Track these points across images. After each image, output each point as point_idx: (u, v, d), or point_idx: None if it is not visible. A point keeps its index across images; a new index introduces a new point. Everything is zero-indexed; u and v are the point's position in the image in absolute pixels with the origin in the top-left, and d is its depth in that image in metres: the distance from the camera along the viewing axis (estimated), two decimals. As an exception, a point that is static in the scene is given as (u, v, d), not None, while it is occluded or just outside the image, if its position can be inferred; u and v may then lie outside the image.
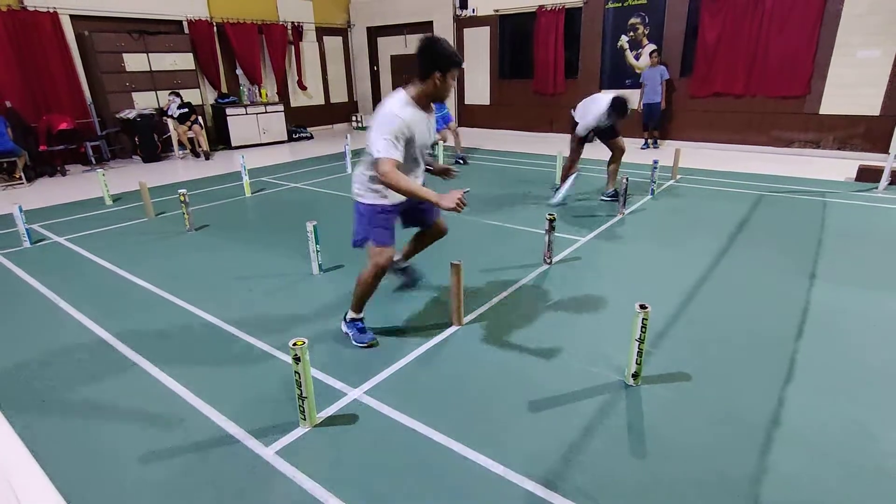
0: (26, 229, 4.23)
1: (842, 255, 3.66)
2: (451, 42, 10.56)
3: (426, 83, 2.25)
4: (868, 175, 5.66)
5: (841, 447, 1.84)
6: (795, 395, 2.13)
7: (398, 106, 2.24)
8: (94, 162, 7.98)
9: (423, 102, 2.31)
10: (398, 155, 2.21)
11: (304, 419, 1.98)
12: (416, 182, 2.32)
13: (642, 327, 2.10)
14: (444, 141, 7.50)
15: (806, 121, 7.42)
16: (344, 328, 2.68)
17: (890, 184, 5.40)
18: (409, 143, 2.28)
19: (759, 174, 6.24)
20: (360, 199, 2.47)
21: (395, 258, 2.86)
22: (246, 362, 2.48)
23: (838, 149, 7.27)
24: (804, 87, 7.26)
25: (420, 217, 2.74)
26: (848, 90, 7.00)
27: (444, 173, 2.75)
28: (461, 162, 7.51)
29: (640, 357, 2.17)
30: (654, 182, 5.35)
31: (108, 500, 1.69)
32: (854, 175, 5.84)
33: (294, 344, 1.85)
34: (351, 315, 2.64)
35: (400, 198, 2.43)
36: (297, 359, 1.85)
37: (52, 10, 7.52)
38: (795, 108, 7.45)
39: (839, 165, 6.56)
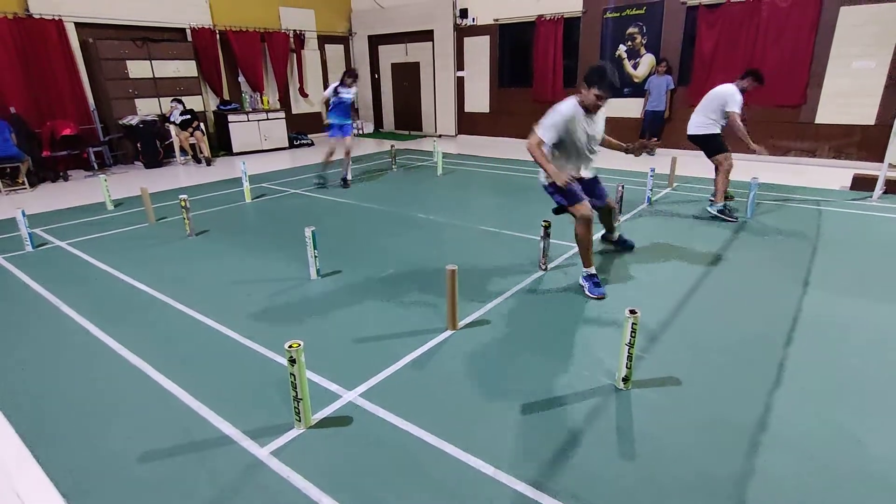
0: (29, 233, 4.28)
1: (835, 262, 3.70)
2: (452, 50, 10.71)
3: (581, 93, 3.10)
4: (863, 184, 5.71)
5: (827, 451, 1.88)
6: (783, 400, 2.16)
7: (565, 105, 3.13)
8: (96, 167, 8.05)
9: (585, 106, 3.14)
10: (547, 137, 3.06)
11: (300, 420, 2.02)
12: (558, 163, 3.23)
13: (632, 332, 2.14)
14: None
15: (802, 130, 7.48)
16: (581, 281, 3.28)
17: (884, 192, 5.45)
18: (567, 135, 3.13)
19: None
20: (544, 182, 3.32)
21: (605, 237, 4.01)
22: (243, 364, 2.52)
23: (834, 158, 7.32)
24: (800, 97, 7.33)
25: (592, 193, 3.46)
26: (843, 100, 7.07)
27: (641, 149, 3.56)
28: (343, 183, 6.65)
29: (631, 361, 2.20)
30: (651, 190, 5.40)
31: (106, 499, 1.73)
32: (849, 184, 5.89)
33: (290, 346, 1.89)
34: (585, 270, 3.24)
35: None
36: (292, 361, 1.89)
37: (57, 18, 7.62)
38: (791, 118, 7.51)
39: (834, 174, 6.62)
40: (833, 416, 2.07)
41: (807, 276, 3.46)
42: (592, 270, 3.24)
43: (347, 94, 6.38)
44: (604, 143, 3.45)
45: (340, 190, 6.38)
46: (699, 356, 2.53)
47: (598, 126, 3.24)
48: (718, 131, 4.88)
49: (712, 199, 4.95)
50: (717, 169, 4.88)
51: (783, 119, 7.58)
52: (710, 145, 4.92)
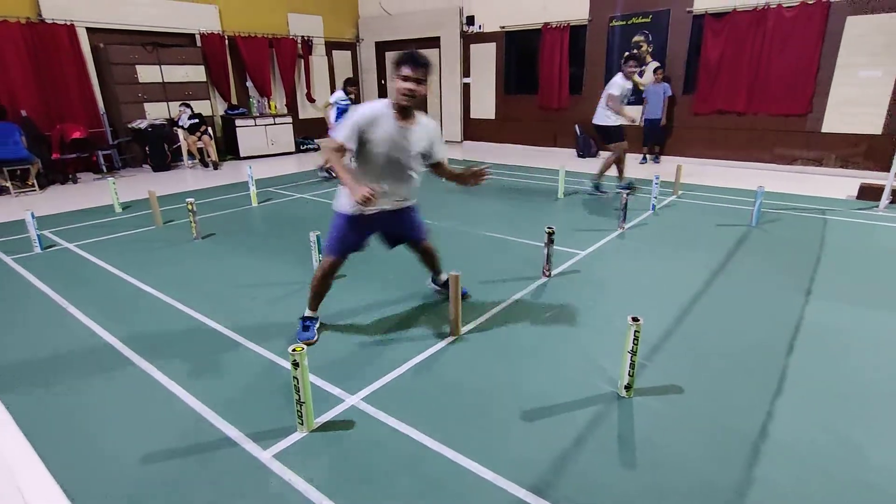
0: (38, 235, 4.33)
1: (839, 272, 3.69)
2: (458, 57, 10.76)
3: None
4: (869, 193, 5.69)
5: (829, 461, 1.87)
6: (785, 409, 2.16)
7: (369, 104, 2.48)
8: (105, 170, 8.13)
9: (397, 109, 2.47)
10: (342, 137, 2.39)
11: (302, 424, 2.03)
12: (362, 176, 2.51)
13: (634, 340, 2.15)
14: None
15: (808, 139, 7.47)
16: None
17: (891, 202, 5.43)
18: (367, 139, 2.43)
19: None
20: (335, 206, 2.67)
21: (434, 280, 3.24)
22: (247, 367, 2.54)
23: (840, 167, 7.30)
24: (806, 106, 7.32)
25: (400, 235, 2.89)
26: (850, 109, 7.05)
27: (473, 178, 2.71)
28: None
29: (633, 369, 2.21)
30: (655, 197, 5.40)
31: (110, 500, 1.74)
32: (855, 193, 5.87)
33: (293, 350, 1.91)
34: (306, 312, 2.82)
35: (365, 209, 2.51)
36: (295, 364, 1.91)
37: (69, 23, 7.72)
38: (797, 127, 7.50)
39: (840, 183, 6.60)
40: (835, 424, 2.06)
41: (810, 284, 3.45)
42: (311, 314, 2.81)
43: (346, 101, 7.02)
44: (438, 172, 2.79)
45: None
46: (701, 364, 2.52)
47: (416, 143, 2.53)
48: (612, 123, 5.69)
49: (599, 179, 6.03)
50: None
51: (789, 128, 7.57)
52: (605, 135, 5.81)
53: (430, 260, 3.10)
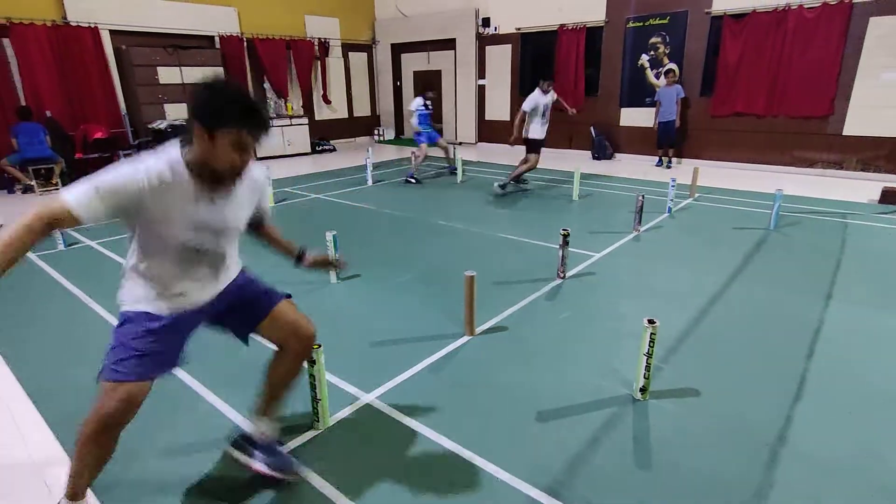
0: (61, 233, 4.43)
1: (860, 276, 3.62)
2: (473, 59, 10.77)
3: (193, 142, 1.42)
4: (892, 197, 5.58)
5: (847, 466, 1.85)
6: (804, 414, 2.13)
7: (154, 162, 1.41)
8: (125, 170, 8.28)
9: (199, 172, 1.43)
10: (84, 214, 1.32)
11: (318, 421, 2.06)
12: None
13: (650, 342, 2.14)
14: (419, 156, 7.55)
15: (829, 142, 7.35)
16: None
17: (914, 206, 5.32)
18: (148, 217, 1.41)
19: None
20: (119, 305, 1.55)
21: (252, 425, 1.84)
22: (262, 365, 2.57)
23: (861, 170, 7.17)
24: (827, 108, 7.20)
25: (248, 308, 1.76)
26: (872, 111, 6.92)
27: (322, 266, 2.08)
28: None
29: (649, 371, 2.20)
30: (672, 200, 5.36)
31: (129, 492, 1.78)
32: (877, 197, 5.76)
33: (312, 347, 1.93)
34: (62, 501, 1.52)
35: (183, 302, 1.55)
36: (312, 362, 1.94)
37: (93, 26, 7.89)
38: (818, 129, 7.38)
39: (862, 187, 6.48)
40: (854, 430, 2.03)
41: (831, 289, 3.39)
42: None
43: (423, 108, 7.63)
44: (265, 238, 1.98)
45: (361, 195, 6.46)
46: (718, 368, 2.50)
47: (233, 212, 1.57)
48: (530, 136, 6.29)
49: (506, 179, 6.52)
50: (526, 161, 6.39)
51: (810, 130, 7.45)
52: (526, 146, 6.36)
53: (285, 365, 1.87)
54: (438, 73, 11.67)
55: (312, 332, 1.81)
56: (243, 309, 1.75)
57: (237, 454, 1.79)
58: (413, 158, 7.43)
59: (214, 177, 1.44)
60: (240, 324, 1.78)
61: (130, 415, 1.47)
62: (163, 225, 1.43)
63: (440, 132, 8.42)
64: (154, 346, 1.49)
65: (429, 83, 7.81)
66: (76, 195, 1.32)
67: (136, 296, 1.52)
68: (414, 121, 7.56)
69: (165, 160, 1.41)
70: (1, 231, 1.26)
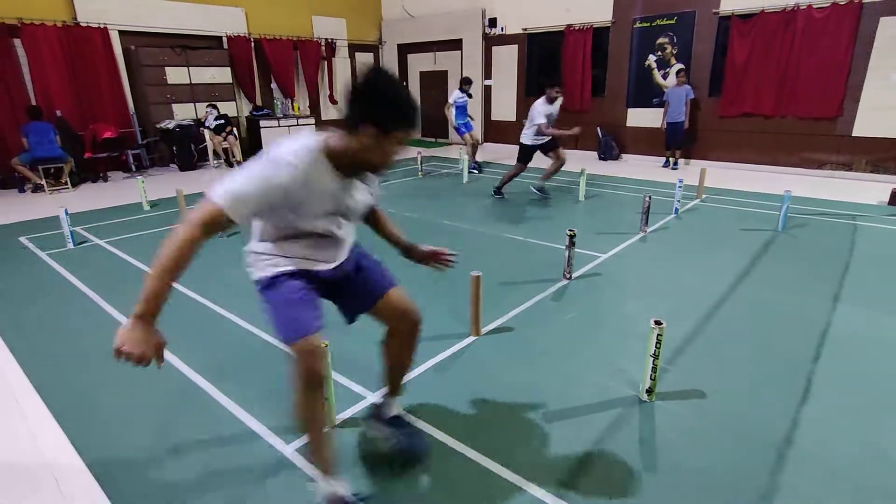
0: (70, 231, 4.47)
1: (869, 278, 3.59)
2: (480, 59, 10.77)
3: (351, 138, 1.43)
4: (902, 199, 5.54)
5: (855, 468, 1.83)
6: (811, 416, 2.12)
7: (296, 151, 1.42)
8: (134, 169, 8.36)
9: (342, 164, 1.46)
10: (237, 214, 1.37)
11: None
12: (178, 261, 1.39)
13: (657, 343, 2.13)
14: (466, 144, 8.06)
15: (838, 143, 7.29)
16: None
17: (925, 208, 5.27)
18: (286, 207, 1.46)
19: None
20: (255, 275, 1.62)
21: (380, 401, 2.01)
22: (271, 363, 2.59)
23: (871, 171, 7.11)
24: (836, 109, 7.15)
25: (361, 291, 1.79)
26: (882, 112, 6.87)
27: (428, 259, 2.01)
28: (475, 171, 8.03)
29: (655, 373, 2.19)
30: (679, 201, 5.33)
31: (138, 488, 1.80)
32: (887, 199, 5.71)
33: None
34: (322, 483, 1.60)
35: (302, 260, 1.59)
36: (319, 360, 1.94)
37: (102, 26, 7.97)
38: (827, 130, 7.33)
39: (872, 188, 6.43)
40: (862, 432, 2.02)
41: (839, 290, 3.37)
42: (335, 489, 1.58)
43: (463, 98, 7.79)
44: (376, 223, 1.98)
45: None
46: (725, 369, 2.49)
47: (360, 197, 1.64)
48: (528, 142, 6.09)
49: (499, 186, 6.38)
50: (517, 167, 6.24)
51: (818, 131, 7.40)
52: (520, 153, 6.19)
53: (399, 343, 1.88)
54: (445, 73, 11.68)
55: (419, 318, 1.85)
56: (357, 289, 1.80)
57: (373, 431, 1.97)
58: (468, 151, 7.70)
59: (356, 167, 1.48)
60: (354, 304, 1.83)
61: (323, 363, 1.54)
62: (297, 213, 1.48)
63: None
64: (307, 294, 1.56)
65: (464, 79, 7.95)
66: (226, 197, 1.34)
67: (270, 264, 1.58)
68: (452, 115, 7.69)
69: (306, 152, 1.42)
70: (163, 247, 1.32)
